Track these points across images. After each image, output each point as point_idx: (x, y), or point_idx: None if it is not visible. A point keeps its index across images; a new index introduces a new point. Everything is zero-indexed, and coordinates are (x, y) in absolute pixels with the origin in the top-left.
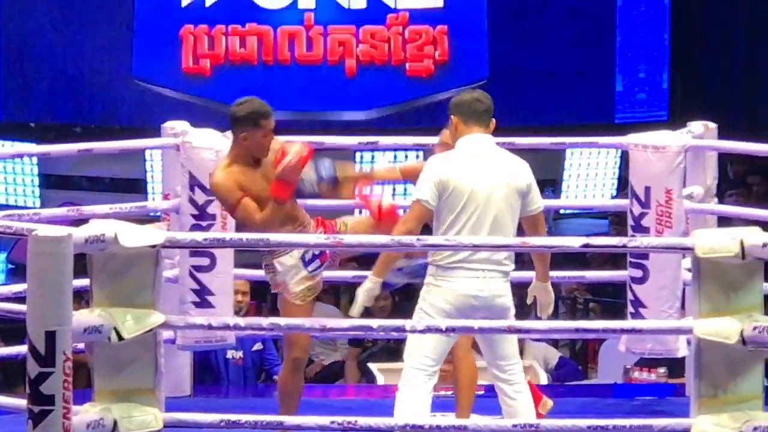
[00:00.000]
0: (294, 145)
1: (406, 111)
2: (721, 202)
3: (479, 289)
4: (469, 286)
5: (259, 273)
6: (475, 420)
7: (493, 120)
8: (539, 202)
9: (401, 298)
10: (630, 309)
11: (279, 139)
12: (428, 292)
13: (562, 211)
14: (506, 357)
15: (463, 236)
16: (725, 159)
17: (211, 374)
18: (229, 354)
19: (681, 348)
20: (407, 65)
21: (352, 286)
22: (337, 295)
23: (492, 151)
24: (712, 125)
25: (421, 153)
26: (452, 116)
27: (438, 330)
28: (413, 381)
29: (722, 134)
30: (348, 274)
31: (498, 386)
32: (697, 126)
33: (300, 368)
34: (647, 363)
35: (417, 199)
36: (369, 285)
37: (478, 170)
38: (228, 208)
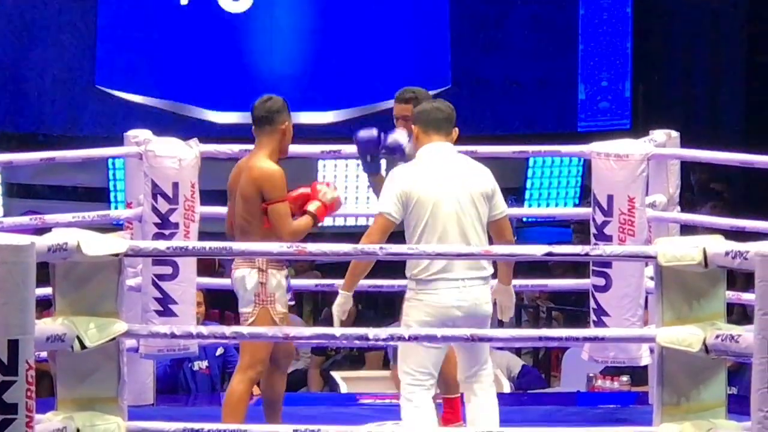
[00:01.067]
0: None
1: (367, 118)
2: (700, 211)
3: (461, 299)
4: (451, 297)
5: (222, 282)
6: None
7: (456, 129)
8: (503, 207)
9: (364, 306)
10: (593, 317)
11: None
12: (410, 307)
13: (525, 220)
14: (481, 362)
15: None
16: (688, 167)
17: (180, 387)
18: (196, 366)
19: (644, 356)
20: (370, 74)
21: (314, 295)
22: (300, 304)
23: (453, 159)
24: (675, 134)
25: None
26: (413, 126)
27: (401, 339)
28: (413, 396)
29: (685, 143)
30: (310, 282)
31: (466, 387)
32: (659, 134)
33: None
34: (610, 371)
35: (380, 212)
36: (340, 300)
37: (441, 179)
38: (267, 198)
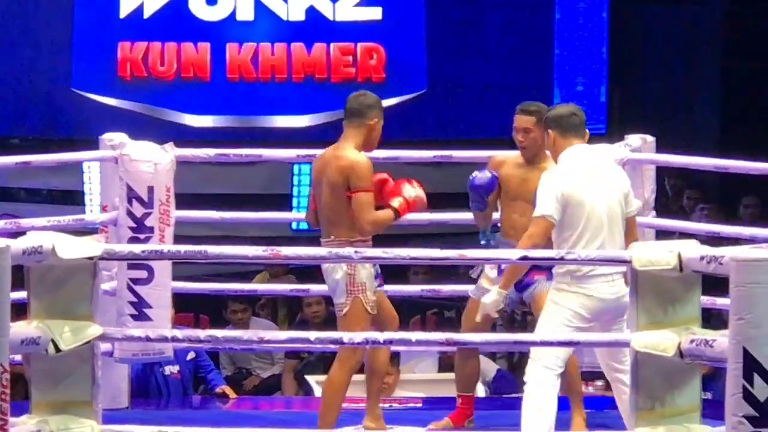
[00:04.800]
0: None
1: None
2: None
3: (611, 292)
4: (609, 290)
5: (196, 286)
6: None
7: (587, 132)
8: (636, 205)
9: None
10: None
11: None
12: (564, 297)
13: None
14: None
15: (581, 247)
16: (662, 173)
17: (152, 392)
18: (167, 370)
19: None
20: (344, 77)
21: (289, 300)
22: (275, 308)
23: (595, 160)
24: (650, 138)
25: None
26: (549, 131)
27: (376, 342)
28: (545, 381)
29: (660, 148)
30: (285, 287)
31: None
32: (634, 139)
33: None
34: (585, 376)
35: (542, 215)
36: (495, 297)
37: (592, 180)
38: (353, 187)
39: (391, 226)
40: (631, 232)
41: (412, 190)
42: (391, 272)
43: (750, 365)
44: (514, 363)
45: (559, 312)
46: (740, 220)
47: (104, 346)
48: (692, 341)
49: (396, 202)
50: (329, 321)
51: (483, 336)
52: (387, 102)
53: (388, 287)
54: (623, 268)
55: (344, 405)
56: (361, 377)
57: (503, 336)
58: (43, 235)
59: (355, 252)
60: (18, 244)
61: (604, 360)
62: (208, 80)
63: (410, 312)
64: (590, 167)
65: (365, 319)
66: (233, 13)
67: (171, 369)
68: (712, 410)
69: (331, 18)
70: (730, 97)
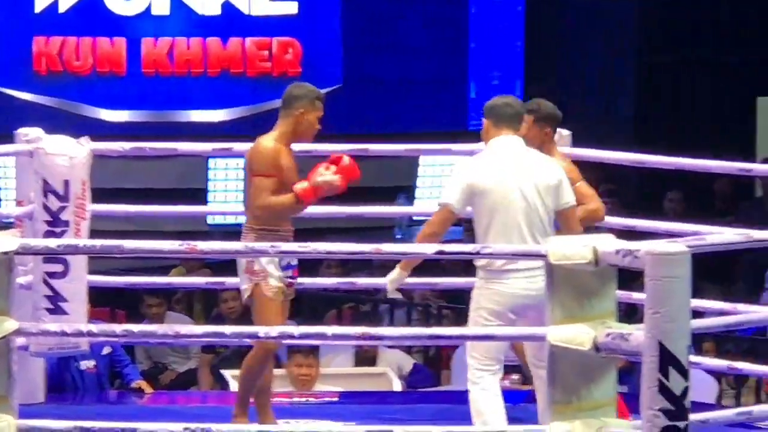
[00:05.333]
0: (345, 160)
1: (258, 116)
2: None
3: (527, 288)
4: (526, 286)
5: (112, 280)
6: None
7: (524, 125)
8: (568, 198)
9: None
10: None
11: None
12: (480, 295)
13: (416, 218)
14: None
15: (491, 239)
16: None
17: (68, 387)
18: (83, 365)
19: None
20: (260, 72)
21: (205, 293)
22: (190, 302)
23: (520, 152)
24: (566, 132)
25: None
26: (484, 119)
27: (291, 336)
28: (480, 380)
29: (577, 142)
30: (201, 280)
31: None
32: None
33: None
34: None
35: (443, 203)
36: (394, 275)
37: (508, 171)
38: (252, 172)
39: (302, 219)
40: (566, 226)
41: (321, 176)
42: (303, 266)
43: (665, 359)
44: (431, 357)
45: (476, 309)
46: (664, 215)
47: (20, 341)
48: (608, 335)
49: (299, 186)
50: (245, 316)
51: (398, 330)
52: None
53: (303, 280)
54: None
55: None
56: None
57: (419, 330)
58: None
59: (271, 246)
60: None
61: (530, 354)
62: (123, 75)
63: (326, 306)
64: (509, 159)
65: (269, 306)
66: (149, 8)
67: (87, 364)
68: (628, 404)
69: (246, 12)
70: (647, 91)
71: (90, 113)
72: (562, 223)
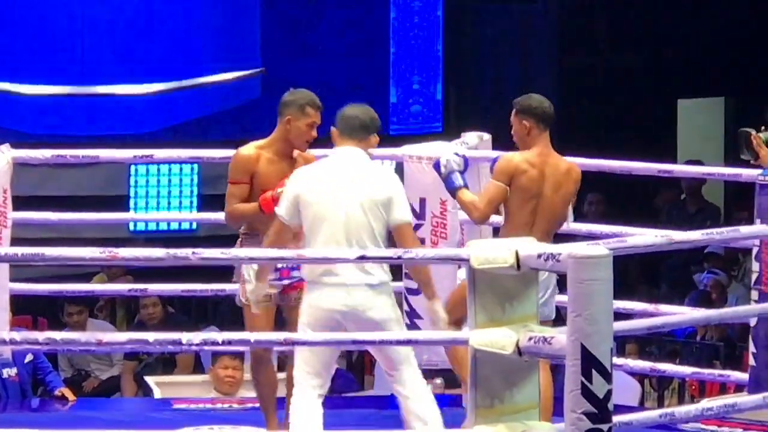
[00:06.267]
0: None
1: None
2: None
3: (344, 303)
4: (333, 300)
5: (34, 288)
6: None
7: (374, 137)
8: (398, 216)
9: (178, 310)
10: (406, 320)
11: (308, 154)
12: (302, 308)
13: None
14: (395, 364)
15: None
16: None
17: None
18: (5, 373)
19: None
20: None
21: (127, 300)
22: (113, 309)
23: (354, 165)
24: (487, 136)
25: (196, 166)
26: (332, 127)
27: (215, 343)
28: (298, 394)
29: (497, 145)
30: (123, 287)
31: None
32: (471, 137)
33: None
34: (424, 374)
35: (277, 214)
36: (251, 287)
37: (334, 184)
38: (228, 177)
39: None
40: (399, 243)
41: (282, 188)
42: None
43: (588, 362)
44: (354, 362)
45: (300, 322)
46: (584, 217)
47: None
48: (530, 338)
49: (263, 196)
50: (166, 322)
51: (320, 335)
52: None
53: (207, 286)
54: (373, 279)
55: (183, 406)
56: (199, 377)
57: (341, 335)
58: None
59: (193, 253)
60: None
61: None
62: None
63: None
64: (340, 171)
65: (246, 310)
66: None
67: (9, 372)
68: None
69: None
70: (564, 93)
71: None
72: (396, 239)
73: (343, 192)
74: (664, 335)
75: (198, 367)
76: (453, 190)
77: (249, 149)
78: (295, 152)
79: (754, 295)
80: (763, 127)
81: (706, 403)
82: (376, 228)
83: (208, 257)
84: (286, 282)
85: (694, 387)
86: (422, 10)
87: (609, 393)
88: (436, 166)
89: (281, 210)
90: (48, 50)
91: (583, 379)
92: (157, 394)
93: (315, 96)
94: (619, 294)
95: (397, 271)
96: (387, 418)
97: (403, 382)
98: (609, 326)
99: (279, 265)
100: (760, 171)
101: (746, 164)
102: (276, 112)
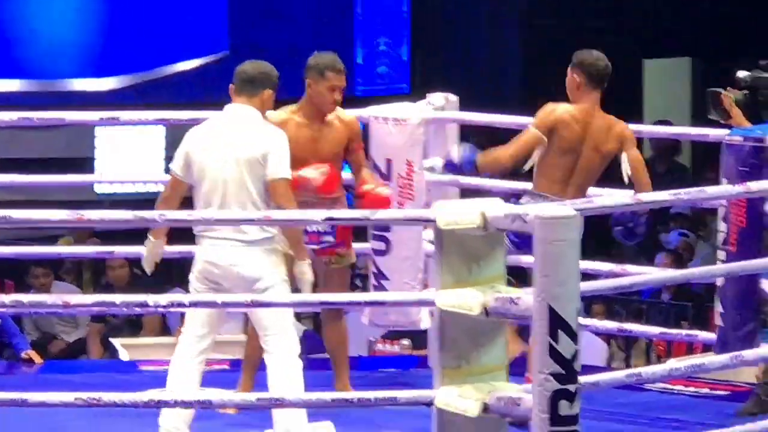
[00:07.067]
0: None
1: (145, 85)
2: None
3: (218, 258)
4: (210, 254)
5: (2, 250)
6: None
7: (267, 91)
8: (272, 171)
9: (143, 272)
10: (373, 281)
11: (345, 113)
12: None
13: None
14: (263, 329)
15: (198, 207)
16: (466, 132)
17: None
18: None
19: (424, 320)
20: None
21: (94, 263)
22: (79, 271)
23: (236, 122)
24: (453, 97)
25: (162, 128)
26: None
27: (181, 305)
28: (180, 350)
29: (464, 106)
30: (90, 250)
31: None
32: (437, 98)
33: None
34: (391, 335)
35: (171, 169)
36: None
37: (215, 141)
38: None
39: None
40: (273, 199)
41: (305, 170)
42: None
43: (555, 322)
44: (320, 322)
45: (191, 275)
46: None
47: None
48: (497, 299)
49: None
50: (133, 284)
51: (288, 296)
52: (189, 64)
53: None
54: (247, 237)
55: (150, 368)
56: (165, 339)
57: (309, 296)
58: None
59: (160, 215)
60: None
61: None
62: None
63: None
64: (224, 128)
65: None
66: None
67: None
68: (519, 367)
69: None
70: (533, 55)
71: None
72: (270, 196)
73: (222, 149)
74: (630, 295)
75: (165, 329)
76: (473, 163)
77: (279, 114)
78: (330, 115)
79: (721, 255)
80: (728, 88)
81: (673, 364)
82: (253, 185)
83: (175, 219)
84: (315, 247)
85: (661, 347)
86: None
87: (576, 353)
88: (450, 166)
89: (175, 165)
90: (3, 45)
91: (550, 340)
92: (124, 356)
93: (337, 59)
94: (586, 254)
95: (362, 233)
96: (354, 378)
97: (268, 351)
98: (576, 287)
99: (309, 229)
100: (727, 131)
101: (715, 124)
102: None
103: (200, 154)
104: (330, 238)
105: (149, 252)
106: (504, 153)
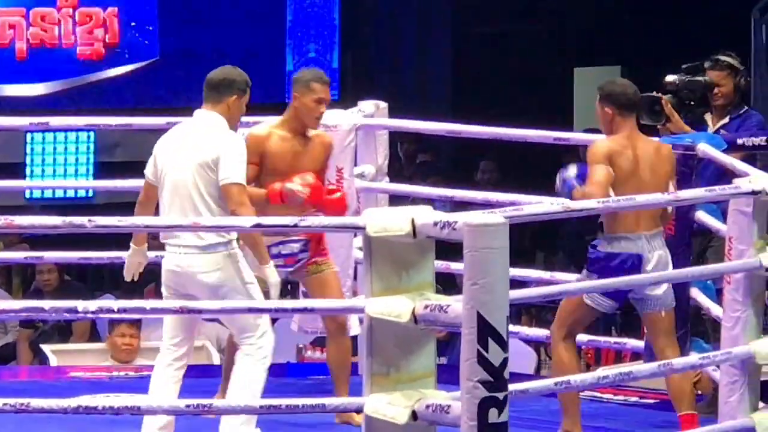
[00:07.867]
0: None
1: (76, 90)
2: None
3: (177, 265)
4: (171, 261)
5: None
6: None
7: (232, 98)
8: (224, 175)
9: (74, 278)
10: (302, 288)
11: (325, 135)
12: None
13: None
14: (242, 330)
15: (160, 211)
16: (396, 138)
17: None
18: None
19: (354, 327)
20: (77, 48)
21: (23, 268)
22: (9, 277)
23: (196, 127)
24: (383, 104)
25: (92, 133)
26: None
27: (110, 311)
28: (157, 358)
29: (393, 113)
30: (19, 255)
31: None
32: (367, 105)
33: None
34: (320, 342)
35: (145, 175)
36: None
37: (175, 147)
38: None
39: None
40: (227, 203)
41: (292, 184)
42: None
43: (484, 330)
44: None
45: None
46: (477, 185)
47: None
48: (426, 307)
49: (273, 186)
50: (62, 289)
51: (217, 303)
52: (120, 70)
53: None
54: (203, 242)
55: (79, 374)
56: (95, 346)
57: (238, 303)
58: None
59: (89, 221)
60: None
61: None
62: None
63: (146, 280)
64: (184, 133)
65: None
66: None
67: None
68: (448, 375)
69: None
70: (462, 62)
71: None
72: (224, 199)
73: (178, 154)
74: (559, 303)
75: (94, 335)
76: (571, 190)
77: (261, 129)
78: (310, 131)
79: None
80: (656, 92)
81: (601, 372)
82: (205, 189)
83: (105, 225)
84: (291, 269)
85: (590, 355)
86: None
87: (505, 361)
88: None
89: (147, 170)
90: None
91: (479, 348)
92: (54, 362)
93: (323, 73)
94: (515, 262)
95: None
96: (283, 385)
97: (242, 352)
98: (505, 294)
99: (284, 252)
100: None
101: (648, 130)
102: (173, 81)
103: (162, 158)
104: (305, 255)
105: (128, 260)
106: (596, 193)
